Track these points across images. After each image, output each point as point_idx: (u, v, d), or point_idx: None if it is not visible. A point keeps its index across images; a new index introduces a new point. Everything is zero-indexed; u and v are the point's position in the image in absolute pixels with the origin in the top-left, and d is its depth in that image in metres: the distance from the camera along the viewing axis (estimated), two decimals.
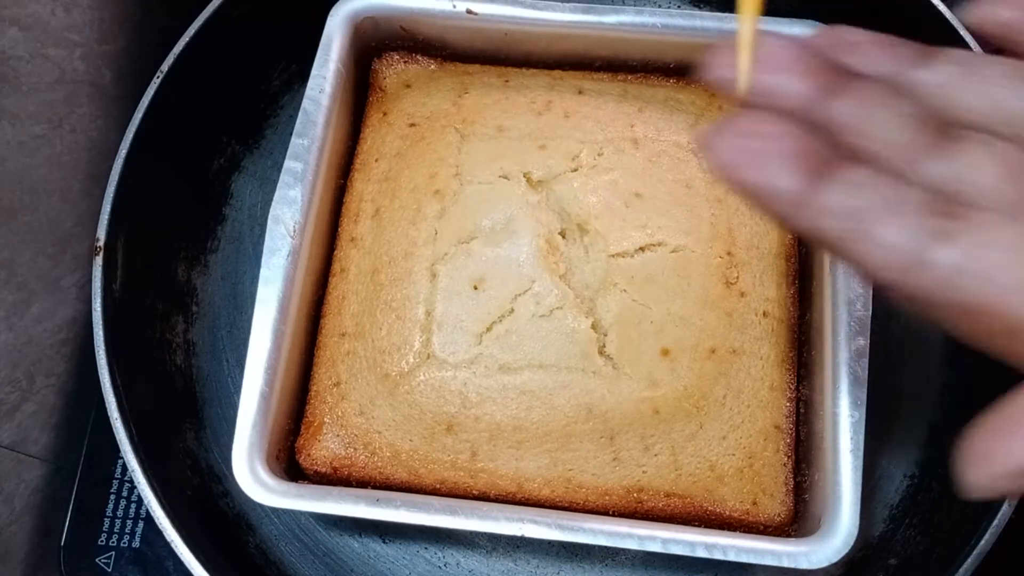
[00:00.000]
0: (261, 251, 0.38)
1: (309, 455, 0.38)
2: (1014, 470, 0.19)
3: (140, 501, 0.44)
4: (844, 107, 0.21)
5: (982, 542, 0.36)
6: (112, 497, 0.45)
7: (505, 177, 0.40)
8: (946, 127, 0.21)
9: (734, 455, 0.38)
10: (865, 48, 0.22)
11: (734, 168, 0.21)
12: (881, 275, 0.20)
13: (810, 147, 0.20)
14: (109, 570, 0.43)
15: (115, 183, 0.41)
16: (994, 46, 0.24)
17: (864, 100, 0.21)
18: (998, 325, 0.19)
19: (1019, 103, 0.21)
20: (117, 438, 0.37)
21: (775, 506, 0.38)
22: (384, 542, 0.43)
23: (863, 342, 0.37)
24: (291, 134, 0.39)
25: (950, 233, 0.19)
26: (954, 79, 0.21)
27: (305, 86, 0.40)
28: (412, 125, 0.42)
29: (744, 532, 0.37)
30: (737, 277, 0.39)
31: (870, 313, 0.37)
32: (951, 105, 0.21)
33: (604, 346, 0.38)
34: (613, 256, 0.39)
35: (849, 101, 0.21)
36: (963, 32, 0.42)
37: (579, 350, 0.37)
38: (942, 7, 0.43)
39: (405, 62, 0.45)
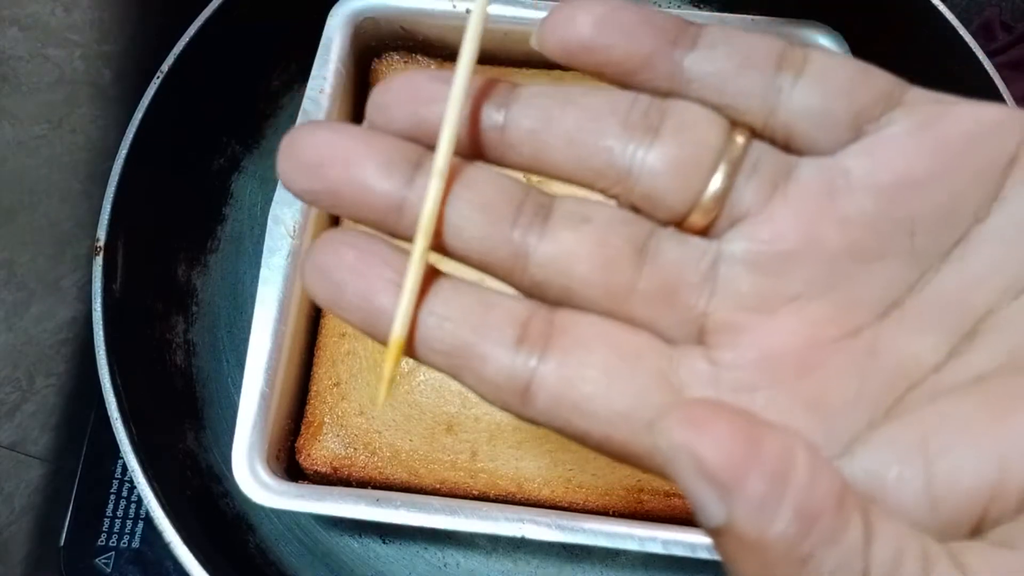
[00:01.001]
0: (261, 251, 0.38)
1: (309, 455, 0.38)
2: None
3: (140, 501, 0.44)
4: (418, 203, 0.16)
5: None
6: (112, 497, 0.45)
7: (504, 175, 0.40)
8: (547, 197, 0.17)
9: None
10: (434, 98, 0.17)
11: (330, 303, 0.16)
12: (502, 407, 0.16)
13: (394, 263, 0.16)
14: (109, 570, 0.43)
15: (115, 183, 0.41)
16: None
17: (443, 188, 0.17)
18: (619, 454, 0.15)
19: (603, 155, 0.16)
20: (117, 438, 0.37)
21: None
22: (384, 542, 0.43)
23: None
24: None
25: (547, 353, 0.16)
26: (534, 131, 0.17)
27: (305, 86, 0.40)
28: None
29: None
30: None
31: None
32: (538, 164, 0.18)
33: None
34: None
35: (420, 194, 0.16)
36: (975, 48, 0.41)
37: None
38: (952, 19, 0.42)
39: (405, 62, 0.45)
